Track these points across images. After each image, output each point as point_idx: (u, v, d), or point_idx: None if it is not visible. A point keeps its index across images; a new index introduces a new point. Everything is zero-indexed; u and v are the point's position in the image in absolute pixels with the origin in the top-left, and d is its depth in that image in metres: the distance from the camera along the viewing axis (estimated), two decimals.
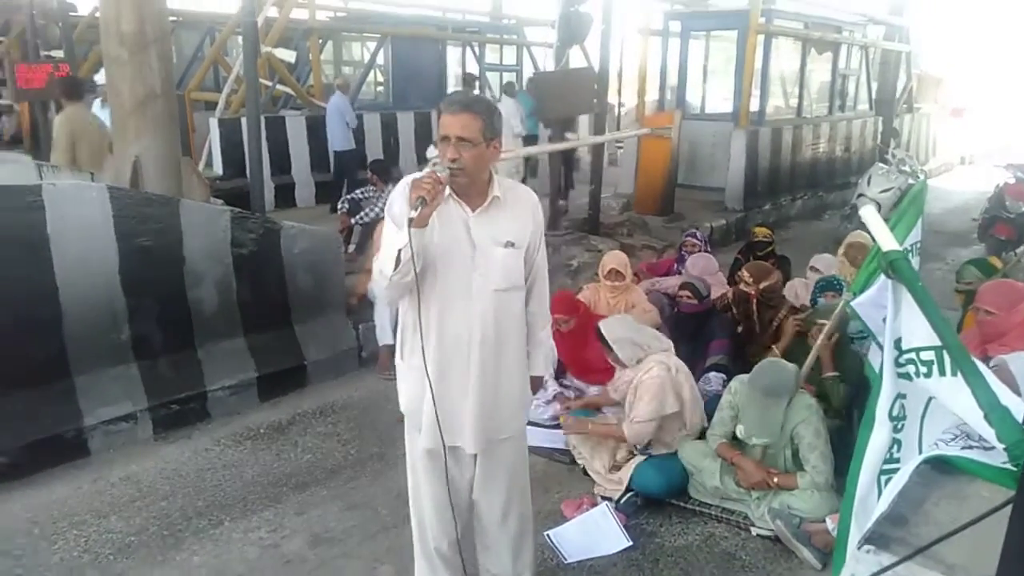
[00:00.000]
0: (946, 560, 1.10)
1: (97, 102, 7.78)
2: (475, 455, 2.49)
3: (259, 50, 5.76)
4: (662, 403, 3.60)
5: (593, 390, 4.55)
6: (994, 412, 1.32)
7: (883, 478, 1.64)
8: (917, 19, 14.72)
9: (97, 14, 11.57)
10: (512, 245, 2.31)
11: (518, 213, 2.38)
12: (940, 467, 1.42)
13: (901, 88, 14.32)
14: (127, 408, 4.10)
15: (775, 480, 3.42)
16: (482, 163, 2.25)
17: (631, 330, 3.76)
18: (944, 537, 1.06)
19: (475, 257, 2.29)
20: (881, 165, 9.67)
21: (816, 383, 3.87)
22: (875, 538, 1.17)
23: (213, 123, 8.92)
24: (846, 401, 3.84)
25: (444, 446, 2.35)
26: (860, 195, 9.23)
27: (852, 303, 2.76)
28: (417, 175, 2.19)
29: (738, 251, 6.61)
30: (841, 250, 5.92)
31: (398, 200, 2.25)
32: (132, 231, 4.08)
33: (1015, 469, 1.33)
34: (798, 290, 5.05)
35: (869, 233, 2.36)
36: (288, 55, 9.48)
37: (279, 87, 10.34)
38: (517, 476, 2.63)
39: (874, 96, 13.36)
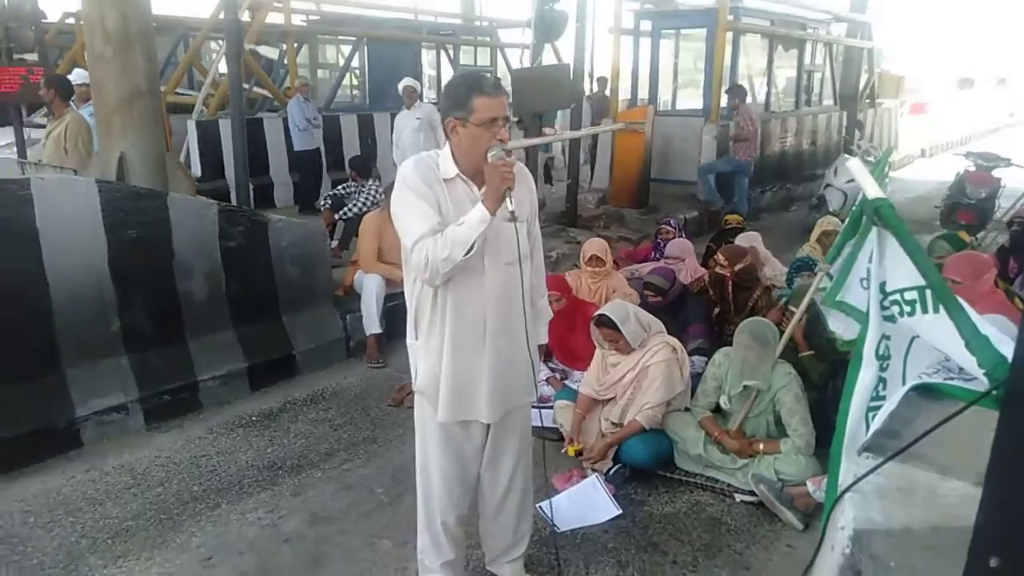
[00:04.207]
0: (939, 462, 1.22)
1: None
2: (488, 427, 2.56)
3: (242, 50, 5.76)
4: (672, 385, 3.73)
5: (577, 374, 4.65)
6: (975, 340, 1.44)
7: (870, 415, 1.76)
8: (879, 16, 15.14)
9: (68, 20, 11.53)
10: (516, 219, 2.37)
11: (518, 188, 2.43)
12: (926, 393, 1.54)
13: (864, 84, 14.69)
14: (119, 399, 4.13)
15: (760, 447, 3.56)
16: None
17: (633, 311, 3.85)
18: (928, 432, 1.18)
19: (485, 234, 2.36)
20: (847, 156, 9.93)
21: (793, 363, 4.01)
22: (872, 447, 1.28)
23: (191, 125, 8.89)
24: (824, 377, 3.99)
25: (463, 420, 2.46)
26: (827, 185, 9.48)
27: (830, 271, 2.91)
28: (429, 152, 2.36)
29: (710, 239, 6.79)
30: (814, 237, 6.12)
31: (415, 180, 2.28)
32: (121, 224, 4.11)
33: (995, 393, 1.44)
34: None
35: (844, 214, 2.49)
36: (271, 52, 9.49)
37: (256, 89, 10.33)
38: (524, 443, 2.72)
39: (838, 91, 13.69)
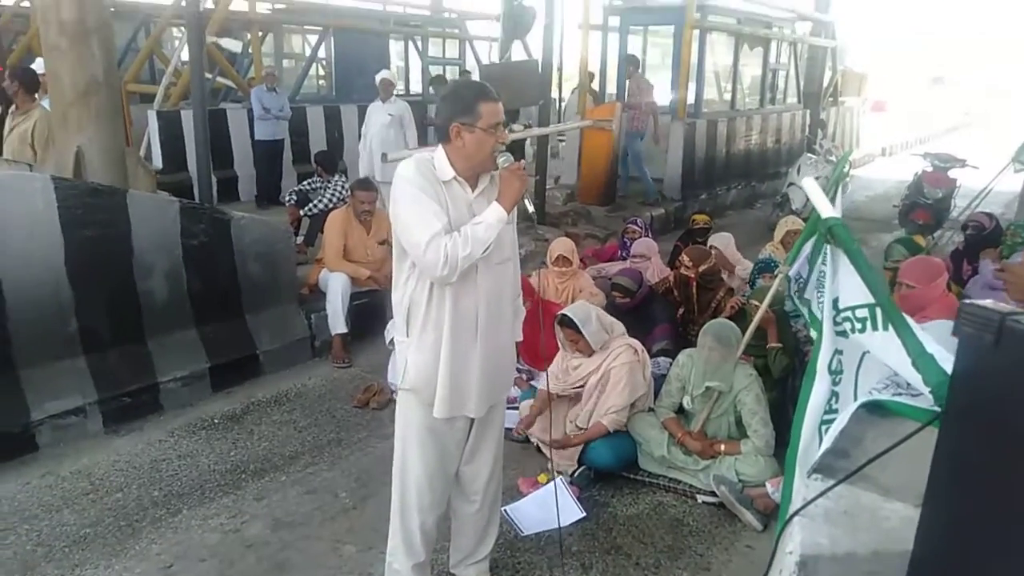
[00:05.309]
0: (882, 483, 1.25)
1: None
2: (471, 421, 2.62)
3: (203, 40, 5.65)
4: (635, 387, 3.77)
5: (542, 376, 4.66)
6: (920, 358, 1.49)
7: (823, 427, 1.80)
8: (842, 16, 15.37)
9: (23, 3, 11.19)
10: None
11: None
12: (875, 410, 1.58)
13: (827, 82, 14.92)
14: (76, 401, 4.04)
15: (721, 448, 3.62)
16: None
17: (595, 313, 3.89)
18: (875, 458, 1.21)
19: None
20: (810, 155, 10.10)
21: (760, 353, 4.08)
22: (822, 468, 1.32)
23: (152, 116, 8.69)
24: (786, 371, 4.08)
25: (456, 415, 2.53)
26: (791, 184, 9.63)
27: (788, 273, 2.96)
28: (423, 154, 2.43)
29: (678, 238, 6.85)
30: (778, 236, 6.20)
31: (420, 180, 2.32)
32: (78, 222, 4.01)
33: (939, 410, 1.49)
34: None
35: (807, 213, 2.52)
36: (234, 45, 9.31)
37: (219, 79, 10.15)
38: (500, 438, 2.81)
39: (802, 90, 13.89)
